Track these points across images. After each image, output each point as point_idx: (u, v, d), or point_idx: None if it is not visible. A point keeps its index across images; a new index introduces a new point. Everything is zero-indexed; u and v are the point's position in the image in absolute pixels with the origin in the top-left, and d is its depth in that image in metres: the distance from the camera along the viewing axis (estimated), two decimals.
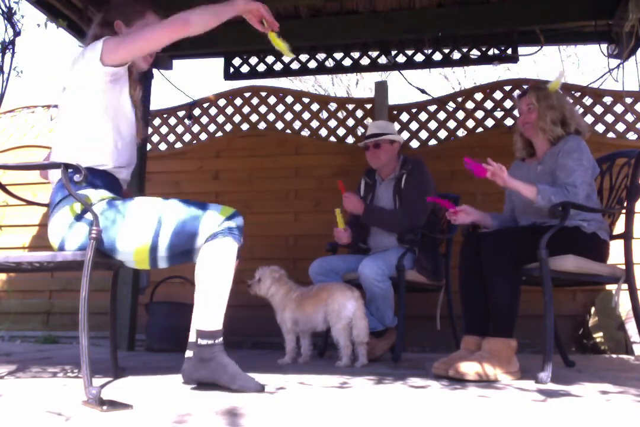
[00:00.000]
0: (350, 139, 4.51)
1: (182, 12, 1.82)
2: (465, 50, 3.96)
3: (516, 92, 4.22)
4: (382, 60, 4.16)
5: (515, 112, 4.17)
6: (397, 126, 4.22)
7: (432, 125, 4.36)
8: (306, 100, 4.59)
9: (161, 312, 3.67)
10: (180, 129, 4.69)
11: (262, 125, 4.64)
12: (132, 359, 3.01)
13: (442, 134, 4.36)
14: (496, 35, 3.87)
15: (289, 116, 4.57)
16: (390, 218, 3.03)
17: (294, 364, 2.69)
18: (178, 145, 4.67)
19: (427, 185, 3.07)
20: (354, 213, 3.10)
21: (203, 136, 4.65)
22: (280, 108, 4.59)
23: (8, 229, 4.54)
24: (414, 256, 2.94)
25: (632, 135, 4.00)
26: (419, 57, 4.07)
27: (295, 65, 4.19)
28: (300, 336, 2.78)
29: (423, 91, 4.26)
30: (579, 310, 3.75)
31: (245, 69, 4.24)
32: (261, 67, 4.24)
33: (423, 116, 4.37)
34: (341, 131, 4.57)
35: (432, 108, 4.36)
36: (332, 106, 4.64)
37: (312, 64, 4.16)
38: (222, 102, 4.68)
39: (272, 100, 4.61)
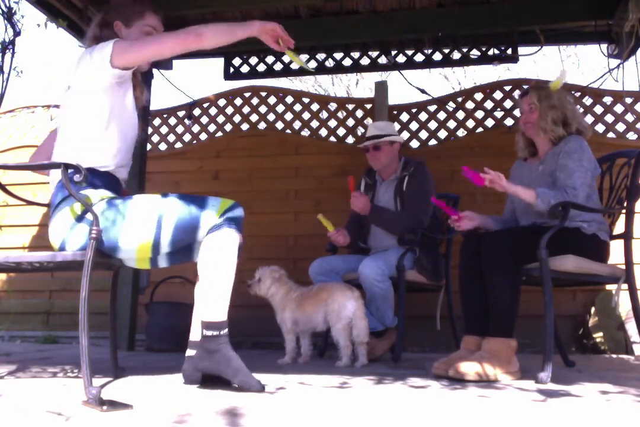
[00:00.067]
0: (350, 139, 4.51)
1: (199, 26, 1.83)
2: (465, 50, 3.96)
3: (516, 92, 4.22)
4: (382, 60, 4.16)
5: (515, 112, 4.18)
6: (397, 126, 4.22)
7: (432, 125, 4.36)
8: (306, 100, 4.59)
9: (161, 312, 3.67)
10: (180, 129, 4.69)
11: (262, 125, 4.64)
12: (132, 359, 3.01)
13: (442, 134, 4.36)
14: (496, 35, 3.87)
15: (289, 116, 4.57)
16: (395, 219, 3.01)
17: (294, 364, 2.69)
18: (178, 145, 4.68)
19: (429, 188, 3.07)
20: (361, 213, 3.06)
21: (203, 136, 4.65)
22: (280, 108, 4.59)
23: (8, 229, 4.54)
24: (414, 255, 2.94)
25: (632, 135, 4.00)
26: (419, 57, 4.07)
27: (295, 66, 4.19)
28: (300, 336, 2.78)
29: (423, 91, 4.26)
30: (579, 310, 3.75)
31: (245, 69, 4.24)
32: (261, 67, 4.24)
33: (423, 116, 4.37)
34: (341, 131, 4.57)
35: (432, 108, 4.36)
36: (332, 106, 4.64)
37: (312, 64, 4.16)
38: (222, 102, 4.68)
39: (272, 100, 4.61)
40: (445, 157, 4.14)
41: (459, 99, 4.35)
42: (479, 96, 4.32)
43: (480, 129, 4.26)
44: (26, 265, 1.84)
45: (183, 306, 3.49)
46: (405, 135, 4.34)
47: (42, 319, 4.44)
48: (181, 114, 4.70)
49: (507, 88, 4.29)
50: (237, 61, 4.23)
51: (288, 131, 4.55)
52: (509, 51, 3.90)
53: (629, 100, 3.99)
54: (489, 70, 11.71)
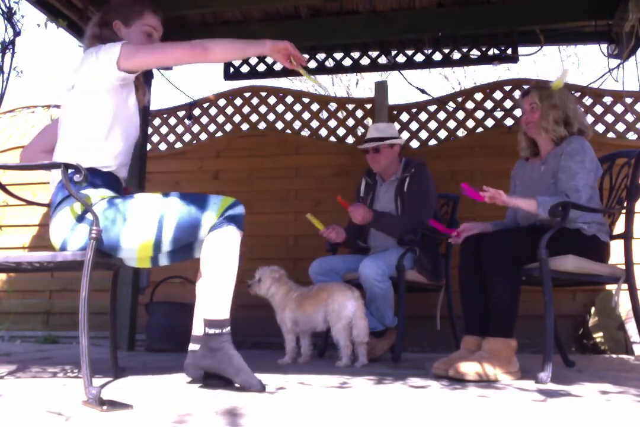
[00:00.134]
0: (350, 139, 4.51)
1: (208, 40, 1.83)
2: (465, 50, 3.96)
3: (516, 92, 4.22)
4: (382, 60, 4.16)
5: (515, 112, 4.18)
6: (397, 126, 4.22)
7: (432, 125, 4.36)
8: (306, 100, 4.59)
9: (161, 312, 3.67)
10: (180, 129, 4.69)
11: (262, 125, 4.64)
12: (132, 359, 3.01)
13: (442, 134, 4.36)
14: (496, 35, 3.87)
15: (289, 116, 4.57)
16: (396, 223, 2.99)
17: (294, 364, 2.69)
18: (178, 145, 4.68)
19: (430, 189, 3.07)
20: (363, 223, 3.00)
21: (203, 136, 4.65)
22: (280, 108, 4.59)
23: (8, 229, 4.54)
24: (414, 256, 2.94)
25: (632, 135, 4.00)
26: (419, 57, 4.07)
27: None
28: (300, 336, 2.78)
29: (423, 91, 4.26)
30: (579, 310, 3.75)
31: (245, 69, 4.24)
32: (261, 67, 4.24)
33: (423, 116, 4.37)
34: (341, 131, 4.57)
35: (432, 108, 4.36)
36: (332, 106, 4.64)
37: (312, 64, 4.16)
38: (222, 102, 4.68)
39: (272, 100, 4.61)
40: (445, 157, 4.14)
41: (459, 99, 4.35)
42: (479, 96, 4.32)
43: (480, 129, 4.26)
44: (26, 265, 1.84)
45: (183, 305, 3.49)
46: (405, 135, 4.33)
47: (42, 319, 4.44)
48: (181, 114, 4.70)
49: (507, 88, 4.29)
50: (237, 61, 4.23)
51: (288, 131, 4.55)
52: (509, 51, 3.91)
53: (629, 100, 3.99)
54: (489, 70, 11.72)
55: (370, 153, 3.15)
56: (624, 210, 2.46)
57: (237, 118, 4.63)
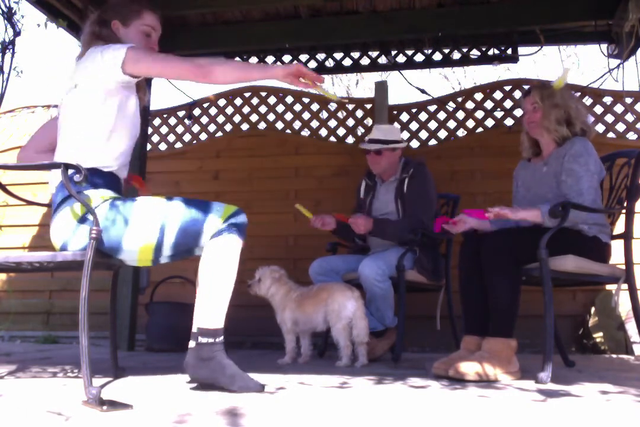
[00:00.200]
0: (350, 139, 4.51)
1: (215, 61, 1.82)
2: (465, 50, 3.96)
3: (516, 92, 4.23)
4: (382, 60, 4.16)
5: (515, 112, 4.19)
6: (397, 126, 4.21)
7: (432, 125, 4.36)
8: (306, 100, 4.59)
9: (161, 312, 3.67)
10: (180, 129, 4.69)
11: (262, 125, 4.64)
12: (132, 359, 3.01)
13: (442, 134, 4.36)
14: (496, 35, 3.87)
15: (289, 116, 4.57)
16: (397, 228, 2.96)
17: (294, 364, 2.69)
18: (178, 145, 4.68)
19: (429, 188, 3.07)
20: (366, 232, 3.00)
21: (203, 136, 4.65)
22: (280, 108, 4.59)
23: (8, 229, 4.54)
24: (414, 255, 2.94)
25: (632, 135, 4.00)
26: (419, 57, 4.07)
27: None
28: (300, 336, 2.78)
29: (423, 91, 4.25)
30: (579, 310, 3.75)
31: None
32: None
33: (423, 116, 4.37)
34: (341, 131, 4.57)
35: (432, 108, 4.36)
36: (332, 106, 4.64)
37: (312, 64, 4.16)
38: (222, 102, 4.68)
39: (272, 100, 4.61)
40: (445, 157, 4.14)
41: (459, 99, 4.35)
42: (479, 96, 4.32)
43: (480, 129, 4.26)
44: (26, 265, 1.84)
45: (183, 306, 3.49)
46: (405, 135, 4.33)
47: (42, 319, 4.44)
48: (181, 114, 4.70)
49: (507, 88, 4.29)
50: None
51: (288, 131, 4.55)
52: (509, 51, 3.90)
53: (629, 100, 3.99)
54: (489, 70, 11.73)
55: (372, 154, 3.15)
56: (624, 211, 2.46)
57: (237, 118, 4.63)
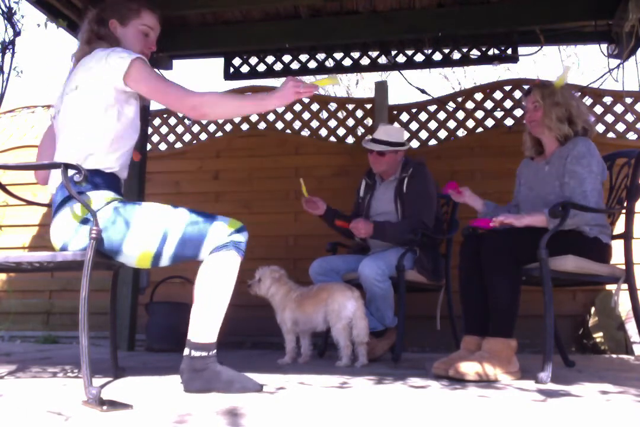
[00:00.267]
0: (350, 139, 4.51)
1: (209, 96, 1.81)
2: (465, 50, 3.95)
3: (516, 92, 4.23)
4: (382, 60, 4.16)
5: (515, 112, 4.19)
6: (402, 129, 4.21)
7: (432, 125, 4.36)
8: (306, 100, 4.58)
9: (161, 312, 3.67)
10: (180, 129, 4.69)
11: (262, 125, 4.64)
12: (132, 359, 3.01)
13: (442, 134, 4.36)
14: (496, 35, 3.87)
15: (289, 116, 4.57)
16: (397, 230, 2.96)
17: (294, 364, 2.69)
18: (178, 145, 4.68)
19: (429, 188, 3.06)
20: (367, 236, 3.01)
21: (203, 136, 4.65)
22: (280, 108, 4.59)
23: (8, 229, 4.54)
24: (414, 255, 2.94)
25: (632, 135, 4.00)
26: (419, 57, 4.06)
27: (295, 65, 4.19)
28: (300, 336, 2.78)
29: (423, 91, 4.25)
30: (579, 310, 3.75)
31: (245, 69, 4.23)
32: (261, 67, 4.23)
33: (423, 116, 4.37)
34: (341, 131, 4.57)
35: (432, 108, 4.36)
36: (332, 106, 4.64)
37: (312, 64, 4.16)
38: None
39: None
40: (445, 157, 4.14)
41: (459, 99, 4.35)
42: (479, 96, 4.32)
43: (480, 129, 4.26)
44: (26, 265, 1.84)
45: (183, 305, 3.49)
46: (405, 135, 4.33)
47: (42, 319, 4.44)
48: (181, 114, 4.69)
49: (507, 88, 4.29)
50: (237, 61, 4.23)
51: (288, 131, 4.55)
52: (509, 51, 3.90)
53: (629, 100, 3.99)
54: (489, 70, 11.74)
55: (374, 154, 3.14)
56: (624, 211, 2.46)
57: (237, 118, 4.63)
